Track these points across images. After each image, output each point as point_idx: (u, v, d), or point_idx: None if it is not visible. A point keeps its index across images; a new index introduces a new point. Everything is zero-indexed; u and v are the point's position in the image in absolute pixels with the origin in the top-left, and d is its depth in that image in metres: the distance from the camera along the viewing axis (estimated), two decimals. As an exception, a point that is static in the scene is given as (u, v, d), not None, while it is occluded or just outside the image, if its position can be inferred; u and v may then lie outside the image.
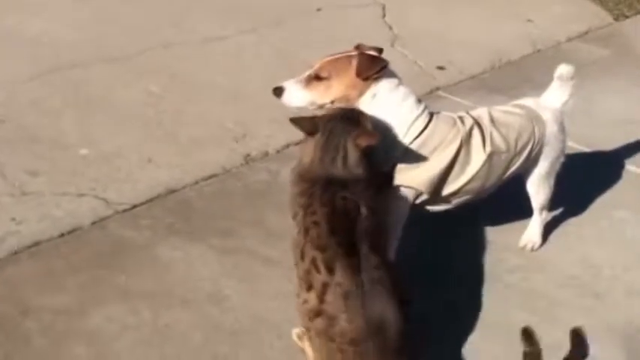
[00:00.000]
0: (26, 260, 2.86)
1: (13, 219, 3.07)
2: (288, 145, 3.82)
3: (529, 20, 5.80)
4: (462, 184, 2.79)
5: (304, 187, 2.45)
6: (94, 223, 3.11)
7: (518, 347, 2.63)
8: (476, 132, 2.79)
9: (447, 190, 2.79)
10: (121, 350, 2.50)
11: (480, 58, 5.03)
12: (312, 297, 2.27)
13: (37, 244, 2.95)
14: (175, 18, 5.30)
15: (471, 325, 2.74)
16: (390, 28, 5.43)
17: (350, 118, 2.51)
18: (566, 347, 2.66)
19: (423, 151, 2.70)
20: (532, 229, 3.19)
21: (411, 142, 2.69)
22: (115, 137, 3.75)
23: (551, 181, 3.09)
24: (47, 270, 2.82)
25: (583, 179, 3.57)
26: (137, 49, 4.73)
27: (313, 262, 2.28)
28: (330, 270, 2.25)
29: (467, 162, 2.77)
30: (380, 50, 2.77)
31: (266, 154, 3.75)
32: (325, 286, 2.24)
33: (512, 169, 2.91)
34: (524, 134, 2.89)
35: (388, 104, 2.69)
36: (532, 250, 3.18)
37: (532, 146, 2.91)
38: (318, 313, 2.26)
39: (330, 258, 2.26)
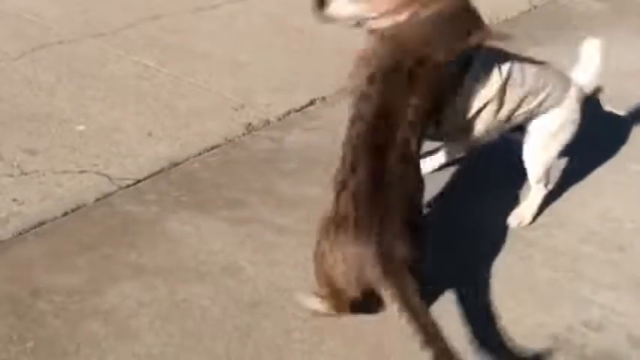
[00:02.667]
0: (32, 241, 2.75)
1: (15, 199, 2.96)
2: (289, 112, 3.73)
3: (521, -24, 5.71)
4: (474, 111, 2.69)
5: (371, 68, 2.42)
6: (98, 200, 3.00)
7: (544, 304, 2.60)
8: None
9: (460, 117, 2.70)
10: (139, 327, 2.40)
11: (477, 16, 4.94)
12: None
13: (41, 223, 2.83)
14: (162, -11, 5.16)
15: (495, 283, 2.67)
16: (382, -10, 5.31)
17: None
18: (593, 304, 2.63)
19: None
20: (526, 203, 3.03)
21: None
22: (111, 112, 3.63)
23: (551, 154, 2.90)
24: (55, 250, 2.71)
25: (595, 132, 3.49)
26: (125, 22, 4.59)
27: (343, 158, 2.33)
28: (353, 169, 2.28)
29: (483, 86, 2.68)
30: None
31: (267, 122, 3.65)
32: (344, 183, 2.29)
33: (523, 109, 2.77)
34: (543, 77, 2.78)
35: None
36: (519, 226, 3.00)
37: (546, 94, 2.78)
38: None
39: (357, 158, 2.29)
